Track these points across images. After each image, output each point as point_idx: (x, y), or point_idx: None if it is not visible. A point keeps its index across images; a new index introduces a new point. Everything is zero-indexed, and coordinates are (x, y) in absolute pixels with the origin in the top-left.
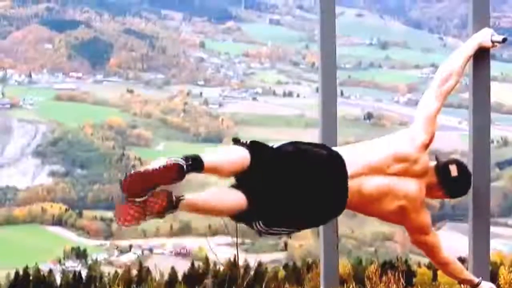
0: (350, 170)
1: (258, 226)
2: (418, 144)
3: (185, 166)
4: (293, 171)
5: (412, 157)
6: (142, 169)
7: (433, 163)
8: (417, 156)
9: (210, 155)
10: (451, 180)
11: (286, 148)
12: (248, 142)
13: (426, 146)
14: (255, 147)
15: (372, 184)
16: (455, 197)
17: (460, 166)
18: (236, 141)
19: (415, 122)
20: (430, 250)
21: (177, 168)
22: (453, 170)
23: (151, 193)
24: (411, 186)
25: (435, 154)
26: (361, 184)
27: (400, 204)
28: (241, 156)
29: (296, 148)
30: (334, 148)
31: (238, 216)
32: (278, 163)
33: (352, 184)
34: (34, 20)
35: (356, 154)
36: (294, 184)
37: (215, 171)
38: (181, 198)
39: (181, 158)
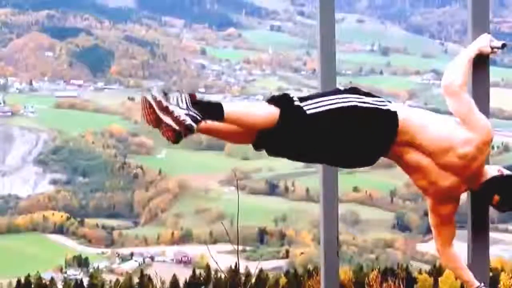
0: (400, 137)
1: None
2: (476, 144)
3: (182, 134)
4: (319, 137)
5: (468, 156)
6: (154, 107)
7: (493, 173)
8: (473, 156)
9: (233, 105)
10: (487, 203)
11: (317, 110)
12: (281, 98)
13: (485, 143)
14: (286, 109)
15: (413, 158)
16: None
17: (505, 201)
18: (272, 98)
19: (463, 124)
20: (438, 236)
21: (172, 134)
22: (495, 200)
23: (166, 122)
24: (446, 181)
25: (497, 176)
26: (403, 153)
27: (424, 185)
28: (268, 113)
29: (332, 113)
30: (398, 106)
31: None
32: (307, 131)
33: (395, 150)
34: (35, 27)
35: (418, 123)
36: (317, 147)
37: (236, 123)
38: (192, 128)
39: (198, 112)
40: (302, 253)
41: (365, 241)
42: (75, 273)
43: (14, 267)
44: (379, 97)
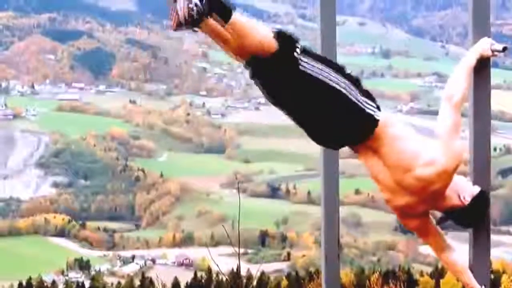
0: (371, 142)
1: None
2: (439, 170)
3: (195, 18)
4: (299, 97)
5: (425, 180)
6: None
7: (454, 201)
8: (431, 182)
9: (243, 17)
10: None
11: (314, 78)
12: (286, 37)
13: (451, 173)
14: (284, 51)
15: (373, 167)
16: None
17: (477, 198)
18: (277, 33)
19: (436, 141)
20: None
21: (190, 16)
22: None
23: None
24: (400, 200)
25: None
26: (369, 158)
27: (385, 197)
28: (268, 41)
29: (322, 82)
30: (384, 115)
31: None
32: (290, 82)
33: (362, 150)
34: (37, 30)
35: (391, 135)
36: (295, 96)
37: (236, 33)
38: (194, 19)
39: (207, 6)
40: (303, 255)
41: (366, 244)
42: (76, 275)
43: (15, 270)
44: (374, 100)
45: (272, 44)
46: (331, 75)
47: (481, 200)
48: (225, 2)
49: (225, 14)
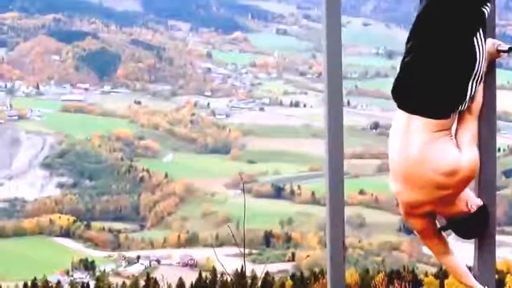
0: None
1: None
2: (455, 180)
3: None
4: None
5: (441, 184)
6: None
7: (462, 207)
8: (447, 184)
9: None
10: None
11: None
12: None
13: (463, 182)
14: None
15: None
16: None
17: (481, 210)
18: None
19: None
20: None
21: None
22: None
23: None
24: (409, 196)
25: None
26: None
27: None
28: None
29: None
30: None
31: None
32: None
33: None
34: (42, 31)
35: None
36: None
37: None
38: None
39: None
40: (308, 256)
41: (371, 244)
42: (81, 276)
43: (20, 270)
44: None
45: None
46: None
47: (484, 213)
48: None
49: None
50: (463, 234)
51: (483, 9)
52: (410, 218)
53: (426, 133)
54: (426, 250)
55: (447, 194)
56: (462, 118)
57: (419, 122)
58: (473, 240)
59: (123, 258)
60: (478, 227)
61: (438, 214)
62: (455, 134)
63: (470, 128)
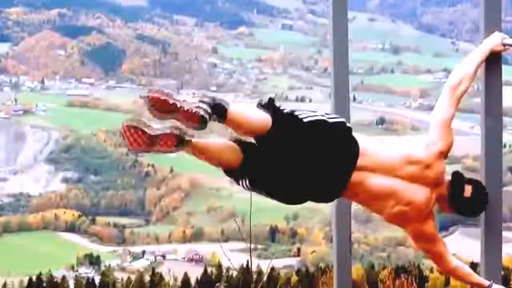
0: (360, 161)
1: (243, 183)
2: (434, 151)
3: (207, 117)
4: (302, 145)
5: (425, 161)
6: (142, 127)
7: (449, 177)
8: (430, 161)
9: (235, 106)
10: (462, 200)
11: (307, 119)
12: (269, 102)
13: (443, 153)
14: (278, 116)
15: (376, 182)
16: (464, 216)
17: (477, 188)
18: (260, 104)
19: (430, 129)
20: (434, 258)
21: (173, 139)
22: (468, 190)
23: (162, 133)
24: (419, 195)
25: (457, 170)
26: (365, 178)
27: (402, 209)
28: (266, 120)
29: (312, 123)
30: (356, 135)
31: (229, 171)
32: (294, 137)
33: (356, 176)
34: (47, 26)
35: (372, 149)
36: (296, 156)
37: (235, 124)
38: (190, 139)
39: (208, 103)
40: (313, 251)
41: (376, 239)
42: (86, 271)
43: (25, 265)
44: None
45: (266, 115)
46: (307, 111)
47: (482, 192)
48: (219, 102)
49: (221, 108)
50: (466, 213)
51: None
52: (425, 224)
53: None
54: None
55: (437, 173)
56: (445, 96)
57: None
58: (479, 236)
59: (128, 253)
60: (478, 206)
61: (441, 198)
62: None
63: (448, 109)
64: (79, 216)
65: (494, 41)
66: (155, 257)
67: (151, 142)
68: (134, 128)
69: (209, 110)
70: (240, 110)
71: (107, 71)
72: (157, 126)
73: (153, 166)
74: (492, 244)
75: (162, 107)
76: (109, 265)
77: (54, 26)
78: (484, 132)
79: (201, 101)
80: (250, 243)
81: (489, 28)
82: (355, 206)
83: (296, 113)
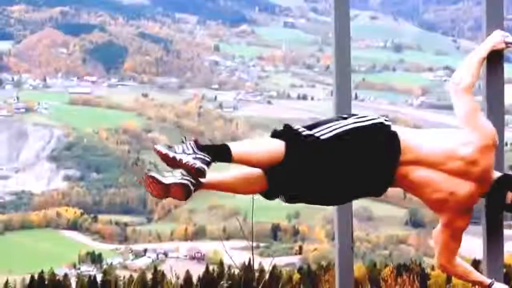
0: (403, 157)
1: (282, 199)
2: (479, 146)
3: (190, 186)
4: (329, 159)
5: (468, 158)
6: (157, 177)
7: (497, 175)
8: (474, 158)
9: (239, 144)
10: (499, 205)
11: (329, 135)
12: (285, 129)
13: (488, 147)
14: (291, 140)
15: (420, 174)
16: None
17: None
18: (275, 133)
19: (462, 127)
20: (442, 251)
21: (181, 190)
22: (509, 197)
23: (173, 182)
24: (463, 188)
25: (507, 174)
26: (410, 172)
27: (443, 197)
28: (274, 147)
29: (339, 136)
30: (396, 128)
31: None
32: (313, 157)
33: (400, 171)
34: (49, 24)
35: (414, 143)
36: (327, 172)
37: (245, 162)
38: (199, 184)
39: (204, 154)
40: (315, 249)
41: (378, 238)
42: (88, 269)
43: (27, 263)
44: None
45: (278, 144)
46: (335, 121)
47: None
48: (216, 145)
49: (224, 153)
50: None
51: (304, 134)
52: (460, 217)
53: None
54: (432, 243)
55: (483, 168)
56: (453, 99)
57: None
58: (478, 234)
59: (130, 251)
60: None
61: (482, 194)
62: (457, 113)
63: (462, 105)
64: (81, 214)
65: (495, 39)
66: (157, 255)
67: (166, 190)
68: (152, 178)
69: (208, 159)
70: (245, 149)
71: (109, 69)
72: (173, 175)
73: (154, 164)
74: (494, 242)
75: (165, 160)
76: (111, 263)
77: (56, 24)
78: None
79: (197, 153)
80: (252, 241)
81: (491, 26)
82: (356, 204)
83: (316, 132)
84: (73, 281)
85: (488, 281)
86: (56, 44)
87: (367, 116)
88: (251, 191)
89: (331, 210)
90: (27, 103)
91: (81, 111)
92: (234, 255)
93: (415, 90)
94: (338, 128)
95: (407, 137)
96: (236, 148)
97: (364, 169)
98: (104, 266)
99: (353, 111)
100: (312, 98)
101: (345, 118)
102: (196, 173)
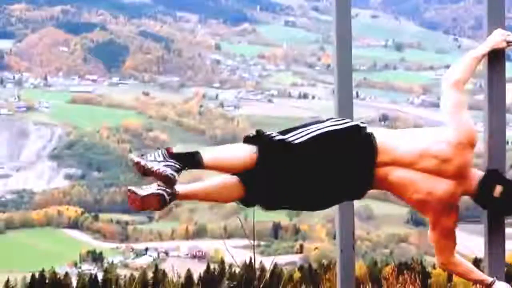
0: (380, 158)
1: (259, 207)
2: (453, 144)
3: (165, 195)
4: (303, 163)
5: (442, 155)
6: (135, 190)
7: (479, 173)
8: (448, 155)
9: (211, 150)
10: (488, 199)
11: (303, 139)
12: (255, 134)
13: (462, 144)
14: (263, 145)
15: (397, 175)
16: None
17: (508, 190)
18: (247, 139)
19: (446, 124)
20: (439, 249)
21: (157, 199)
22: (497, 191)
23: (149, 193)
24: (440, 187)
25: (494, 169)
26: (388, 173)
27: (422, 198)
28: (247, 152)
29: (314, 139)
30: (372, 130)
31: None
32: (287, 158)
33: (379, 172)
34: (50, 23)
35: (390, 145)
36: (304, 176)
37: (218, 169)
38: (175, 193)
39: (174, 162)
40: (316, 248)
41: (379, 236)
42: (89, 268)
43: (28, 262)
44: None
45: (251, 149)
46: (317, 125)
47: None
48: (188, 152)
49: (195, 160)
50: (505, 208)
51: (277, 139)
52: (444, 215)
53: None
54: None
55: (459, 165)
56: (442, 91)
57: None
58: (482, 233)
59: (131, 250)
60: (508, 205)
61: (467, 193)
62: (442, 107)
63: (448, 98)
64: (82, 213)
65: (495, 39)
66: (158, 254)
67: (143, 202)
68: (130, 191)
69: (178, 166)
70: (217, 155)
71: (110, 68)
72: (149, 187)
73: None
74: (495, 240)
75: (137, 168)
76: (112, 261)
77: (57, 23)
78: (488, 129)
79: (168, 161)
80: (254, 240)
81: (492, 25)
82: (357, 203)
83: (290, 137)
84: (74, 280)
85: (489, 279)
86: (57, 42)
87: (343, 120)
88: (229, 199)
89: (332, 209)
90: (28, 102)
91: (82, 109)
92: (235, 253)
93: (416, 88)
94: (312, 131)
95: (383, 138)
96: (208, 155)
97: (341, 172)
98: (105, 265)
99: (354, 110)
100: (313, 97)
101: (322, 122)
102: (166, 180)
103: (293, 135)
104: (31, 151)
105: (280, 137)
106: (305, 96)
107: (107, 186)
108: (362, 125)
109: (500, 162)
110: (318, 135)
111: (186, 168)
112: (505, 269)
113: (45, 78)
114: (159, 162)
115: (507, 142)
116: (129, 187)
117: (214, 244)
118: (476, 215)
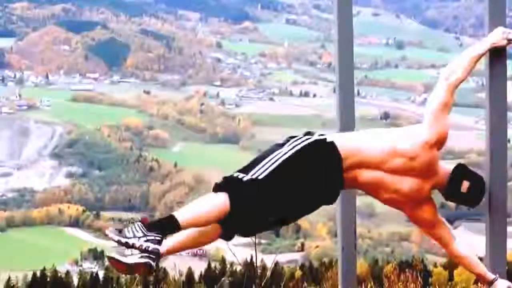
0: (346, 163)
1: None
2: (418, 142)
3: (151, 262)
4: (278, 192)
5: (409, 153)
6: (119, 258)
7: (450, 167)
8: (414, 153)
9: (183, 211)
10: (456, 194)
11: (268, 171)
12: (225, 181)
13: (429, 143)
14: (233, 190)
15: (365, 176)
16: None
17: (474, 184)
18: (216, 187)
19: (424, 119)
20: (439, 243)
21: (144, 268)
22: (465, 186)
23: (135, 262)
24: (406, 184)
25: (461, 163)
26: (358, 175)
27: (391, 196)
28: (219, 202)
29: (280, 167)
30: (331, 136)
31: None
32: (259, 195)
33: (348, 175)
34: (51, 21)
35: (355, 147)
36: (278, 203)
37: (195, 226)
38: (160, 255)
39: (155, 233)
40: (317, 246)
41: (380, 235)
42: (90, 266)
43: (29, 260)
44: (310, 133)
45: (222, 197)
46: (277, 154)
47: (479, 188)
48: (161, 219)
49: (172, 225)
50: (472, 202)
51: (245, 179)
52: (418, 209)
53: None
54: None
55: (425, 162)
56: (437, 86)
57: None
58: (483, 231)
59: None
60: (475, 198)
61: (437, 188)
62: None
63: (439, 97)
64: (83, 211)
65: (496, 37)
66: None
67: (129, 269)
68: (113, 259)
69: (159, 238)
70: (191, 214)
71: (111, 66)
72: (132, 254)
73: (157, 161)
74: (497, 239)
75: (118, 244)
76: None
77: (58, 21)
78: (489, 127)
79: (147, 235)
80: (255, 238)
81: (493, 23)
82: (359, 201)
83: (254, 174)
84: (75, 278)
85: (491, 277)
86: (58, 41)
87: (300, 138)
88: (210, 241)
89: (333, 207)
90: (29, 100)
91: (83, 108)
92: (236, 252)
93: (417, 87)
94: (275, 161)
95: (344, 143)
96: (182, 216)
97: (312, 187)
98: (106, 263)
99: (356, 108)
100: (314, 95)
101: (281, 145)
102: (152, 255)
103: (258, 170)
104: (32, 150)
105: (247, 177)
106: (306, 94)
107: (108, 184)
108: (321, 137)
109: (501, 161)
110: (282, 162)
111: (165, 236)
112: (507, 268)
113: (46, 77)
114: (139, 238)
115: (509, 141)
116: (109, 255)
117: (215, 242)
118: (477, 214)
